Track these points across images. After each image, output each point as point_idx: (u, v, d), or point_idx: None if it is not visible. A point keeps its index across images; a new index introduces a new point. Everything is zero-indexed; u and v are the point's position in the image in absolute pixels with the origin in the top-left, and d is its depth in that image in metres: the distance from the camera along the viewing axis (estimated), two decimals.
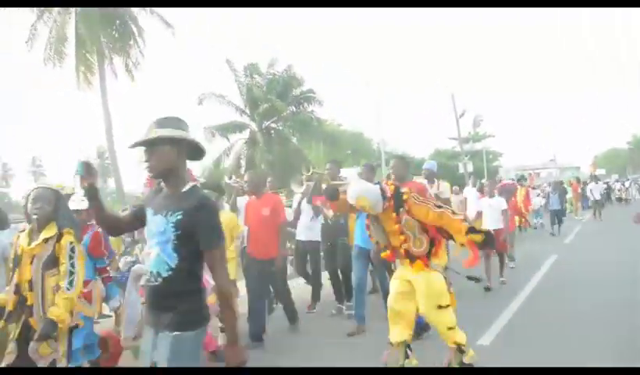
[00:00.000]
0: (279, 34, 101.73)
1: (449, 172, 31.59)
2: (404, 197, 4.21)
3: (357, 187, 4.31)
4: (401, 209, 4.21)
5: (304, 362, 5.00)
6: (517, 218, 14.30)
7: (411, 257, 4.24)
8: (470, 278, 6.74)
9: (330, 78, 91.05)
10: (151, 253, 2.56)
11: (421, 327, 5.25)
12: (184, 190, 2.57)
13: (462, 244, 4.15)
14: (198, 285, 2.60)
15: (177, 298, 2.47)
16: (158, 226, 2.53)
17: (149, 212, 2.63)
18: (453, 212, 4.20)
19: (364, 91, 75.81)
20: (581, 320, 6.02)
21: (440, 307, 4.16)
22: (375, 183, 4.40)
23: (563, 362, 4.62)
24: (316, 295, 7.52)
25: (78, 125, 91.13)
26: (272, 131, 27.02)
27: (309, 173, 6.77)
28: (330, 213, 6.74)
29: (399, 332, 4.27)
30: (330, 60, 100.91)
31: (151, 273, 2.55)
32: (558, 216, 15.87)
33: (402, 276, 4.34)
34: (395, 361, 4.29)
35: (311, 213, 7.12)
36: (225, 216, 5.91)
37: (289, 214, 7.32)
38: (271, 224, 5.85)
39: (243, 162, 25.81)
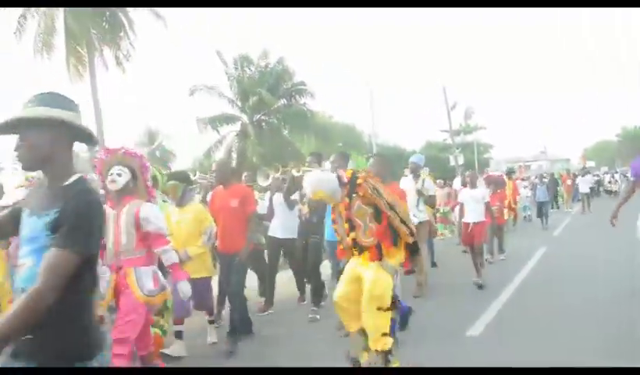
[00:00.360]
0: (278, 33, 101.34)
1: (440, 164, 31.68)
2: (358, 181, 4.06)
3: (311, 180, 4.19)
4: (354, 195, 4.07)
5: (303, 361, 4.85)
6: (505, 210, 14.35)
7: (360, 248, 4.12)
8: (415, 297, 6.83)
9: (323, 72, 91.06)
10: (23, 265, 2.01)
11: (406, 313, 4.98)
12: (66, 183, 2.03)
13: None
14: (86, 304, 2.04)
15: (58, 323, 1.89)
16: (32, 230, 2.00)
17: (24, 214, 2.09)
18: (402, 221, 4.03)
19: (357, 85, 75.71)
20: (569, 313, 6.09)
21: (380, 309, 3.97)
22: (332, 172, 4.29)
23: (552, 353, 4.70)
24: (302, 287, 7.49)
25: None
26: (264, 124, 26.98)
27: (278, 173, 6.59)
28: (305, 210, 6.63)
29: (349, 323, 4.21)
30: (325, 56, 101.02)
31: (21, 290, 1.95)
32: (545, 208, 15.72)
33: (351, 270, 4.21)
34: (358, 346, 4.19)
35: (286, 209, 6.89)
36: (194, 207, 5.69)
37: (262, 207, 7.09)
38: (240, 216, 5.54)
39: (234, 155, 25.77)
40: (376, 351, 4.01)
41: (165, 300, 4.50)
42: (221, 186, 5.77)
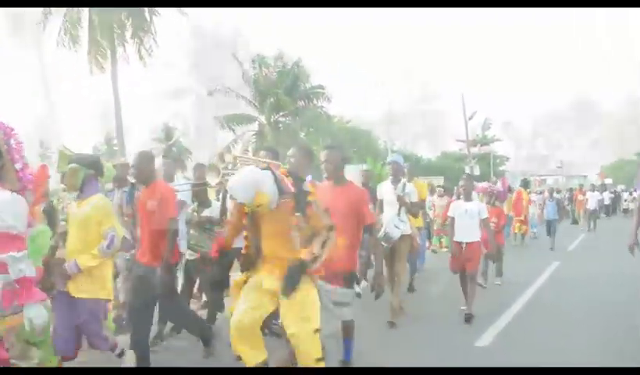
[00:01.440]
0: (296, 35, 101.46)
1: (455, 175, 31.52)
2: (309, 198, 3.42)
3: (246, 178, 3.31)
4: (299, 214, 3.37)
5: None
6: (517, 225, 14.05)
7: (278, 259, 3.48)
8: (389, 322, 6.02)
9: (342, 77, 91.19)
10: None
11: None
12: None
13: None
14: None
15: None
16: None
17: None
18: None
19: (375, 90, 75.84)
20: (579, 328, 6.06)
21: (316, 331, 3.41)
22: (264, 169, 3.41)
23: (561, 364, 4.67)
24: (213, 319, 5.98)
25: (89, 109, 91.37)
26: (281, 125, 27.13)
27: (224, 164, 5.57)
28: None
29: (253, 354, 3.50)
30: (344, 59, 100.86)
31: None
32: (553, 227, 14.51)
33: (261, 286, 3.50)
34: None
35: None
36: (95, 200, 4.18)
37: (214, 210, 5.99)
38: (158, 222, 4.57)
39: (249, 154, 25.91)
40: None
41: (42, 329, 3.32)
42: (143, 185, 4.80)
